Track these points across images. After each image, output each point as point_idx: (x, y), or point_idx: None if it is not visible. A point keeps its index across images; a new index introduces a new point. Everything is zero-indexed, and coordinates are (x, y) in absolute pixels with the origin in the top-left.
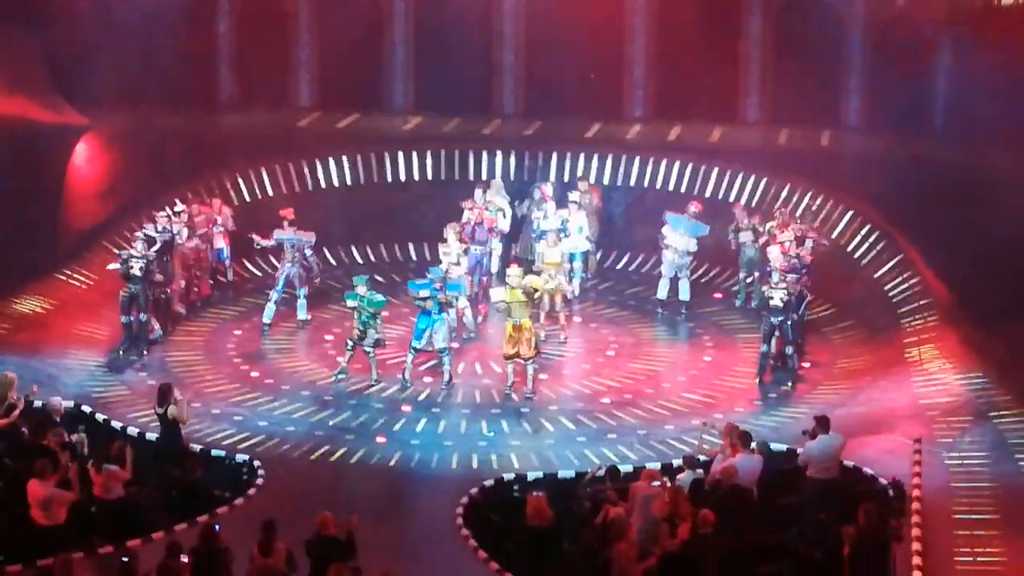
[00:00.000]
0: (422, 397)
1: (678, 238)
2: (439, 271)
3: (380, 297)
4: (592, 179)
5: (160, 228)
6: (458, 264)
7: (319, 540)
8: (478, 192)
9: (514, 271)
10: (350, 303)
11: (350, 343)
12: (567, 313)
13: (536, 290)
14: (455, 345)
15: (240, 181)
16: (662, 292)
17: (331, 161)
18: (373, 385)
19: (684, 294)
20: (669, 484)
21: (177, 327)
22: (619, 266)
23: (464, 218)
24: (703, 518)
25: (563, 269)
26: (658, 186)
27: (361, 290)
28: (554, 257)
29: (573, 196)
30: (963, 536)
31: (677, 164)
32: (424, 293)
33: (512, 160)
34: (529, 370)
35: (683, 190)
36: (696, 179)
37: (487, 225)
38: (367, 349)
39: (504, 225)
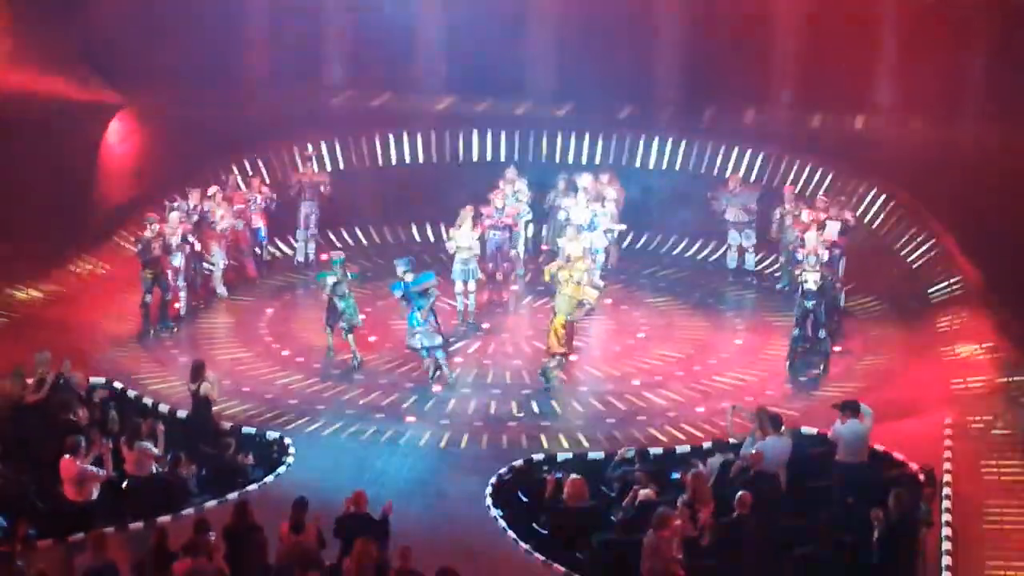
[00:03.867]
0: (452, 377)
1: (734, 210)
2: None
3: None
4: (624, 161)
5: (191, 206)
6: (469, 248)
7: (351, 517)
8: (504, 183)
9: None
10: (329, 280)
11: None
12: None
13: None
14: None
15: (272, 160)
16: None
17: (363, 140)
18: (355, 366)
19: (749, 263)
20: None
21: (210, 305)
22: (650, 248)
23: (495, 204)
24: (742, 499)
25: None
26: (690, 169)
27: (338, 268)
28: (577, 251)
29: (606, 191)
30: (993, 522)
31: (709, 147)
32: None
33: (544, 142)
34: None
35: (715, 173)
36: (728, 162)
37: (508, 213)
38: (345, 331)
39: (524, 209)
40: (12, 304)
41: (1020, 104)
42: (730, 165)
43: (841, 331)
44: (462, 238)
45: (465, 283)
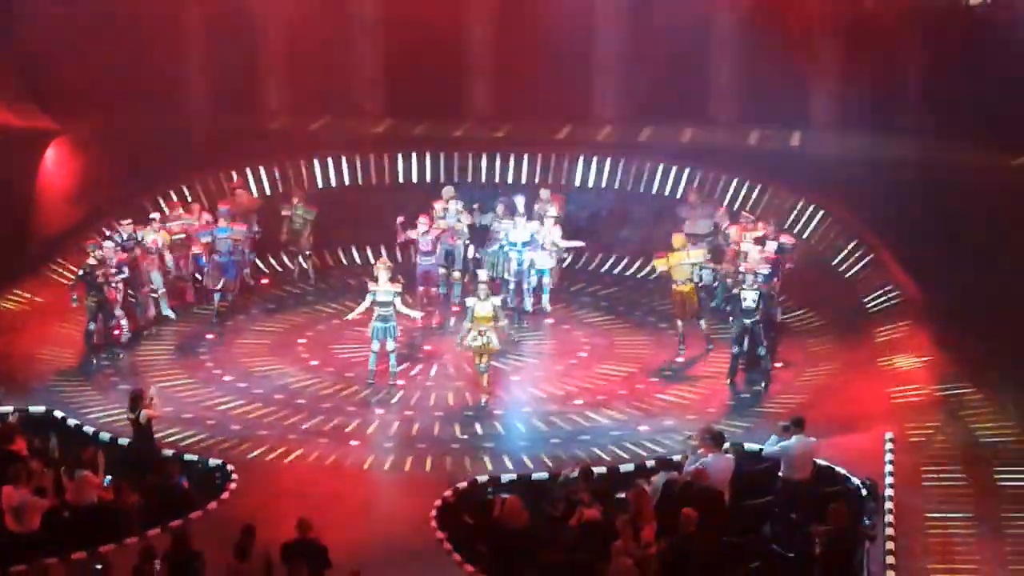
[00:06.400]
0: (395, 400)
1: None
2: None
3: None
4: (563, 180)
5: (126, 235)
6: (391, 303)
7: (297, 543)
8: (439, 205)
9: (678, 240)
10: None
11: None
12: (491, 374)
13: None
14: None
15: (212, 186)
16: None
17: (302, 164)
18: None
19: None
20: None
21: (150, 331)
22: (591, 267)
23: (420, 230)
24: (687, 517)
25: (493, 325)
26: (628, 187)
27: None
28: (485, 311)
29: (548, 209)
30: (936, 535)
31: (648, 165)
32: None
33: (483, 163)
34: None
35: (654, 191)
36: (667, 180)
37: (432, 236)
38: None
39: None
40: None
41: (953, 116)
42: (668, 183)
43: (777, 346)
44: (380, 292)
45: (383, 341)
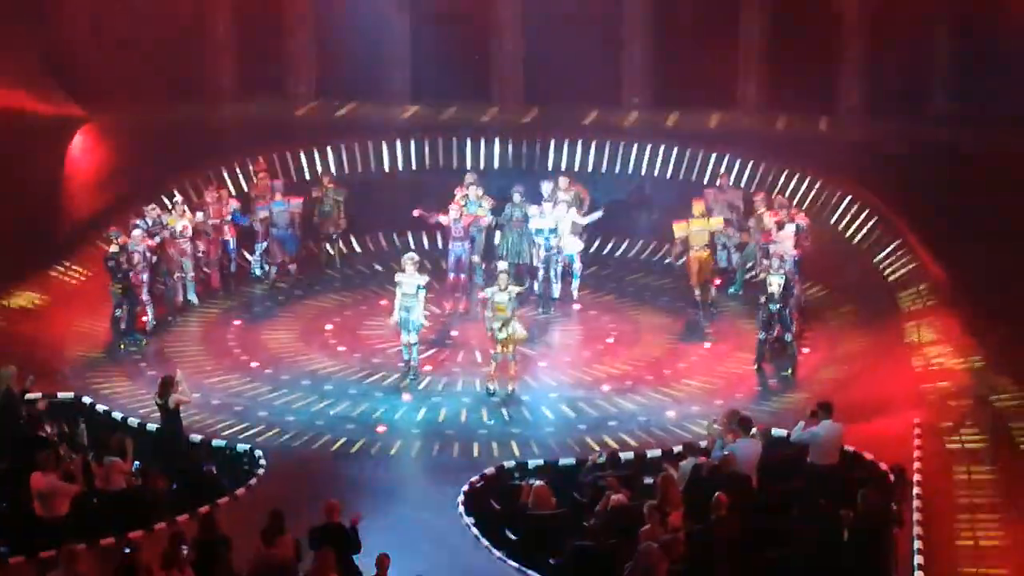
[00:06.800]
0: (422, 386)
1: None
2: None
3: None
4: (590, 166)
5: (151, 221)
6: (415, 295)
7: (325, 528)
8: (460, 191)
9: (697, 207)
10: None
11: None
12: (517, 363)
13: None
14: None
15: (239, 172)
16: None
17: (329, 150)
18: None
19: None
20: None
21: (178, 317)
22: (618, 253)
23: (452, 215)
24: (718, 501)
25: (515, 315)
26: (656, 173)
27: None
28: (504, 300)
29: (563, 196)
30: (964, 520)
31: (675, 150)
32: None
33: (510, 148)
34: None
35: (681, 177)
36: (694, 165)
37: (464, 223)
38: None
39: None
40: None
41: (984, 100)
42: (695, 168)
43: (804, 332)
44: (405, 284)
45: (408, 333)
